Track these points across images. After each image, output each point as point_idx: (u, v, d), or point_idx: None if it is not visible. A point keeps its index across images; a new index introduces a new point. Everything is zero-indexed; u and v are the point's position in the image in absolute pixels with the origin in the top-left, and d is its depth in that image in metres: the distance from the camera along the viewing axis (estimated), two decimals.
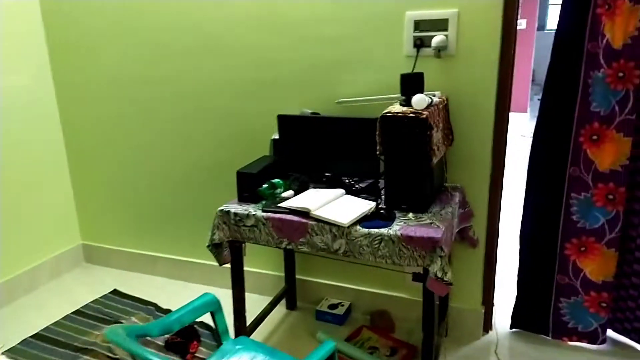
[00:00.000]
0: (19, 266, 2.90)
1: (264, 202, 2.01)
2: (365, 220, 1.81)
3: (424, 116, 1.73)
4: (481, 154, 2.13)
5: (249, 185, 2.02)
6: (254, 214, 1.92)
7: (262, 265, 2.77)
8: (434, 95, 1.92)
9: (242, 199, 2.05)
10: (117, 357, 2.29)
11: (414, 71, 1.98)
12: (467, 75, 2.05)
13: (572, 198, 2.11)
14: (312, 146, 2.15)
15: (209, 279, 2.90)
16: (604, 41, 1.90)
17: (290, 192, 2.07)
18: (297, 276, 2.65)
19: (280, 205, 1.93)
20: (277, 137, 2.27)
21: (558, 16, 1.99)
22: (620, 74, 1.92)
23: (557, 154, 2.10)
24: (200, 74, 2.57)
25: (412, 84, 1.85)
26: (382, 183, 2.12)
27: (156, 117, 2.76)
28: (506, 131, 2.12)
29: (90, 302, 2.81)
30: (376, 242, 1.74)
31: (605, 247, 2.11)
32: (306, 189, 2.09)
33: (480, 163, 2.14)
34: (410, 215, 1.85)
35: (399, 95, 1.92)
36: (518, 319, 2.37)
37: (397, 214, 1.86)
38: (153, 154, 2.85)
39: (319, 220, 1.82)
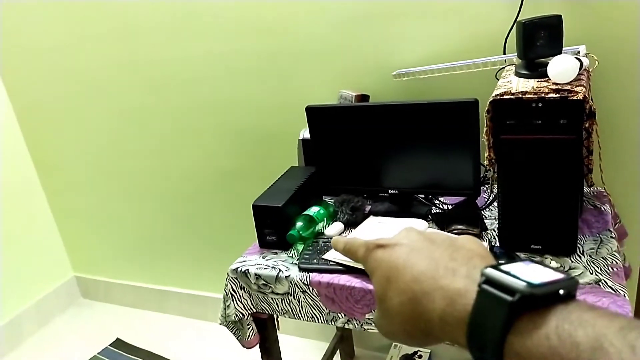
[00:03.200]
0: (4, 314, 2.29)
1: (299, 247, 1.28)
2: None
3: (579, 96, 0.94)
4: (635, 143, 1.33)
5: (273, 223, 1.29)
6: (286, 275, 1.20)
7: None
8: (578, 54, 1.11)
9: (266, 244, 1.32)
10: None
11: (532, 16, 1.16)
12: (614, 15, 1.23)
13: None
14: (363, 148, 1.38)
15: None
16: None
17: (338, 227, 1.33)
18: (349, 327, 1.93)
19: (327, 258, 1.20)
20: (306, 136, 1.51)
21: None
22: None
23: None
24: (184, 53, 1.79)
25: (541, 36, 1.05)
26: (481, 200, 1.36)
27: (143, 126, 2.02)
28: None
29: None
30: None
31: None
32: (363, 218, 1.35)
33: (633, 157, 1.35)
34: (553, 264, 1.09)
35: (511, 56, 1.13)
36: None
37: (525, 260, 1.11)
38: (149, 171, 2.12)
39: None
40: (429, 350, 1.83)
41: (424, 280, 0.36)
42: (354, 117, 1.36)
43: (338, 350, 1.94)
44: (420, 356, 1.81)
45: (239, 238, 1.97)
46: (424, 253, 0.39)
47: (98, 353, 2.22)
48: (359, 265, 1.12)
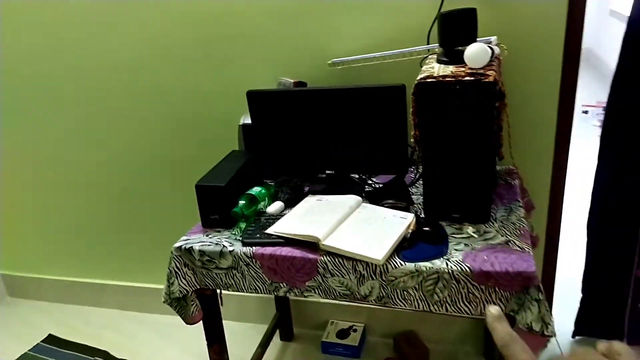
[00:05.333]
0: None
1: (242, 225, 1.35)
2: (404, 246, 1.18)
3: (490, 78, 1.09)
4: (542, 125, 1.51)
5: (217, 203, 1.34)
6: (230, 250, 1.26)
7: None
8: (491, 43, 1.26)
9: (209, 224, 1.37)
10: None
11: (451, 9, 1.29)
12: (522, 10, 1.40)
13: None
14: (301, 132, 1.47)
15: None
16: None
17: (278, 205, 1.41)
18: (291, 296, 2.02)
19: (269, 232, 1.27)
20: (247, 121, 1.57)
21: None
22: None
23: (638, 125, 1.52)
24: (122, 41, 1.79)
25: (459, 27, 1.18)
26: (408, 178, 1.49)
27: (77, 114, 1.98)
28: (574, 91, 1.50)
29: (18, 358, 2.10)
30: (430, 282, 1.12)
31: None
32: (302, 197, 1.43)
33: (540, 137, 1.53)
34: (470, 229, 1.23)
35: (433, 46, 1.26)
36: (583, 325, 1.85)
37: (448, 229, 1.24)
38: (79, 158, 2.08)
39: (335, 254, 1.18)
40: (363, 324, 1.95)
41: None
42: (292, 102, 1.44)
43: (277, 331, 2.02)
44: (355, 330, 1.93)
45: (177, 226, 2.00)
46: None
47: (29, 350, 2.15)
48: (301, 238, 1.20)
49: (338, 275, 1.19)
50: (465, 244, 1.17)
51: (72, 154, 2.08)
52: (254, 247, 1.24)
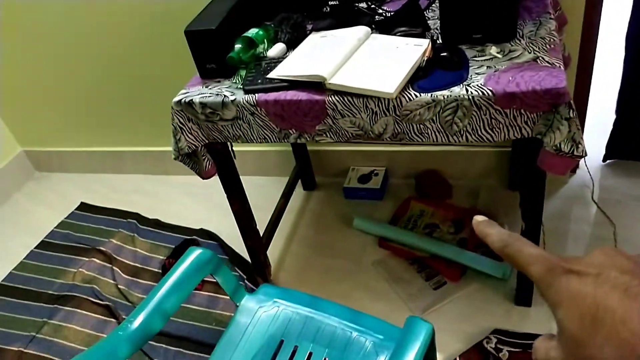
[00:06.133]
0: None
1: (241, 72, 1.24)
2: (419, 76, 1.07)
3: None
4: None
5: (210, 50, 1.23)
6: (232, 100, 1.17)
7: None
8: None
9: (207, 74, 1.27)
10: (102, 302, 1.77)
11: None
12: None
13: None
14: None
15: None
16: None
17: (279, 48, 1.28)
18: (309, 147, 1.97)
19: (271, 76, 1.17)
20: None
21: None
22: None
23: None
24: None
25: None
26: (423, 2, 1.31)
27: None
28: None
29: (56, 227, 2.20)
30: (448, 112, 1.03)
31: None
32: (304, 36, 1.29)
33: None
34: (493, 50, 1.09)
35: None
36: (615, 148, 1.76)
37: (468, 53, 1.11)
38: (88, 29, 1.93)
39: (343, 92, 1.08)
40: (384, 167, 1.92)
41: None
42: None
43: (300, 182, 2.02)
44: (376, 174, 1.91)
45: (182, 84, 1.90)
46: None
47: (65, 218, 2.24)
48: (305, 79, 1.10)
49: (349, 115, 1.10)
50: (488, 67, 1.05)
51: (78, 24, 1.92)
52: (256, 94, 1.15)
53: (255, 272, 1.63)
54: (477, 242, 1.59)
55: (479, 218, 0.40)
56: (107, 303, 1.76)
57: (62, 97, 2.23)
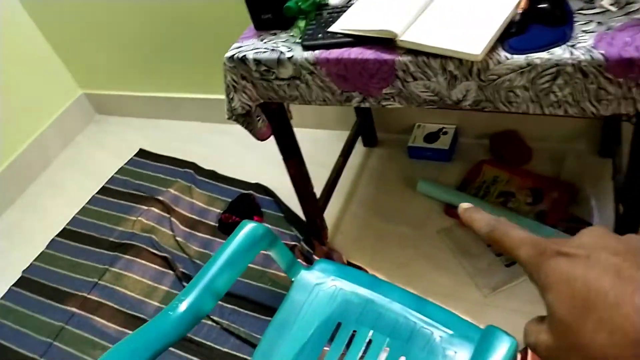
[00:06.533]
0: (22, 140, 2.29)
1: (300, 24, 1.10)
2: (512, 33, 0.89)
3: None
4: None
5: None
6: (289, 57, 1.04)
7: None
8: None
9: (262, 25, 1.14)
10: (160, 253, 1.78)
11: None
12: None
13: None
14: None
15: None
16: None
17: None
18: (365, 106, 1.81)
19: (333, 30, 1.02)
20: None
21: None
22: None
23: None
24: None
25: None
26: None
27: None
28: None
29: (116, 173, 2.22)
30: (546, 79, 0.85)
31: None
32: None
33: None
34: (605, 1, 0.88)
35: None
36: None
37: (573, 4, 0.91)
38: None
39: (417, 52, 0.93)
40: (454, 126, 1.75)
41: None
42: None
43: (360, 138, 1.89)
44: (445, 132, 1.74)
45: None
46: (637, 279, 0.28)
47: (125, 164, 2.25)
48: (373, 34, 0.95)
49: (422, 79, 0.95)
50: (599, 22, 0.85)
51: None
52: (316, 51, 1.02)
53: (312, 235, 1.56)
54: (559, 216, 1.42)
55: (464, 205, 0.39)
56: (165, 254, 1.77)
57: (120, 41, 2.17)
